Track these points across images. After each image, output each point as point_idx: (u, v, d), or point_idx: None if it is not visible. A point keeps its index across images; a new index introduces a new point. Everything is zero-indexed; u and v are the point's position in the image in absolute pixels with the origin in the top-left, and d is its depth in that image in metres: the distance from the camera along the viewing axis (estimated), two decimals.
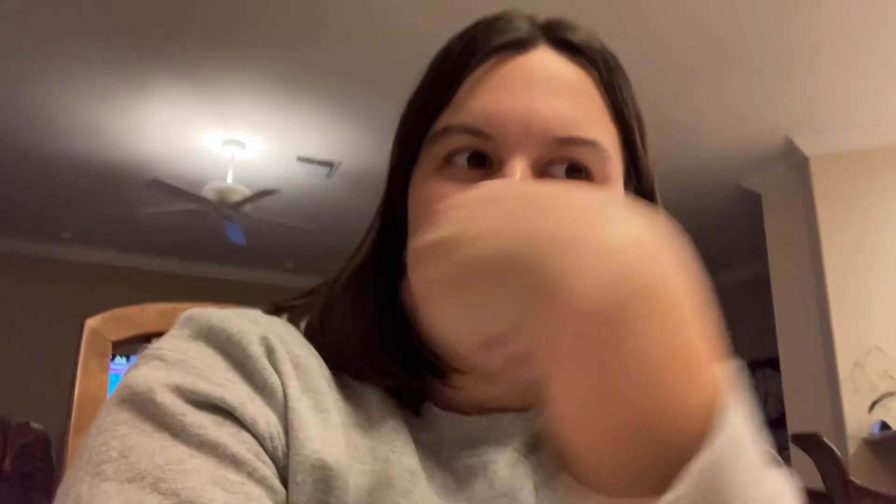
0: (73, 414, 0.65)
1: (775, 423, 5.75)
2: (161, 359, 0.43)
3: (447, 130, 0.50)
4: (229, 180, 4.42)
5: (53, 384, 5.14)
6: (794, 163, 4.24)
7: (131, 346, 0.73)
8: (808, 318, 4.18)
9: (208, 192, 4.34)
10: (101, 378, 0.68)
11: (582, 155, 0.50)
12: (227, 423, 0.41)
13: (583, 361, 0.29)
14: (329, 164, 4.57)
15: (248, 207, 4.44)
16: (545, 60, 0.52)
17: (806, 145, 4.10)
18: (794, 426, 4.18)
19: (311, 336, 0.52)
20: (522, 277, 0.31)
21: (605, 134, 0.52)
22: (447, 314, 0.35)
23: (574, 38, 0.54)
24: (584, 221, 0.31)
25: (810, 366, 4.14)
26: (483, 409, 0.53)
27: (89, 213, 5.50)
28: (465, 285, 0.33)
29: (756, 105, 3.76)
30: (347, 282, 0.55)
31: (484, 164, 0.50)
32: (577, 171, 0.50)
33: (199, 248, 6.22)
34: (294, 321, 0.54)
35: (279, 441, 0.43)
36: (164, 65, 3.52)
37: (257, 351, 0.45)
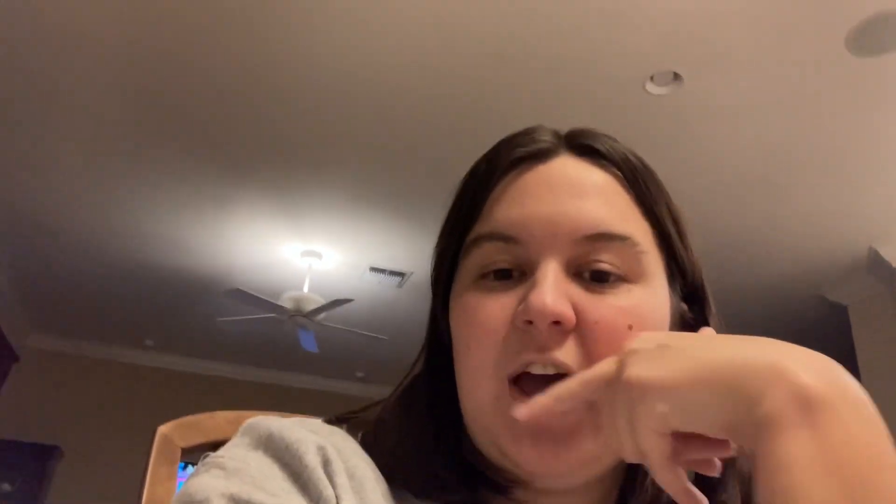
0: None
1: None
2: (220, 467, 0.44)
3: (476, 241, 0.51)
4: (305, 290, 4.54)
5: (126, 488, 5.19)
6: (880, 274, 4.07)
7: (201, 453, 0.74)
8: None
9: (285, 301, 4.45)
10: (169, 485, 0.68)
11: (614, 251, 0.49)
12: None
13: (809, 423, 0.34)
14: (400, 274, 4.65)
15: (322, 316, 4.52)
16: (567, 166, 0.52)
17: (892, 255, 3.94)
18: None
19: (369, 448, 0.51)
20: (748, 374, 0.36)
21: (637, 230, 0.51)
22: (675, 406, 0.38)
23: (595, 144, 0.54)
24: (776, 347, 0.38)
25: None
26: None
27: (172, 321, 5.70)
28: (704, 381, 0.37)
29: (837, 214, 3.67)
30: (401, 396, 0.55)
31: (510, 277, 0.50)
32: (605, 276, 0.49)
33: (275, 356, 6.32)
34: (353, 432, 0.53)
35: None
36: (248, 181, 3.72)
37: (313, 461, 0.45)
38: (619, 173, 0.53)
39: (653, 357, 0.39)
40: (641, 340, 0.41)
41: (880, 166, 3.28)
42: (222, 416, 0.77)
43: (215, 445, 0.77)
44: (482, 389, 0.48)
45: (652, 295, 0.50)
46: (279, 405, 6.50)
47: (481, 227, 0.51)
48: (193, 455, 0.76)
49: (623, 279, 0.49)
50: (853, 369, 4.31)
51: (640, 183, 0.53)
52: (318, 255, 4.48)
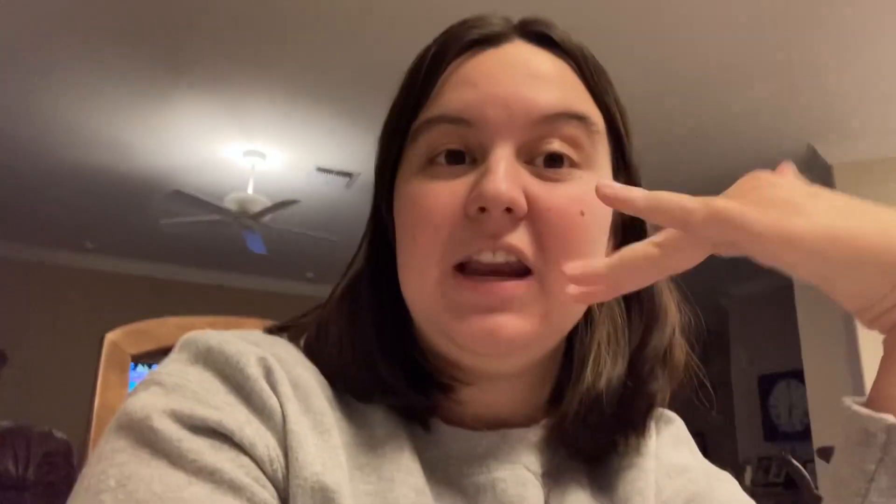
0: (93, 426, 0.65)
1: (800, 435, 5.67)
2: (159, 384, 0.43)
3: (426, 124, 0.49)
4: (250, 191, 4.45)
5: (75, 394, 5.20)
6: (816, 171, 4.19)
7: (151, 359, 0.74)
8: (834, 327, 4.11)
9: (229, 203, 4.37)
10: (120, 391, 0.68)
11: (569, 133, 0.48)
12: (226, 447, 0.41)
13: None
14: (348, 175, 4.59)
15: (268, 218, 4.47)
16: (521, 50, 0.51)
17: (829, 153, 4.05)
18: (819, 440, 4.11)
19: (311, 354, 0.51)
20: None
21: (591, 114, 0.51)
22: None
23: (549, 32, 0.53)
24: None
25: (836, 377, 4.07)
26: (490, 424, 0.52)
27: (112, 223, 5.56)
28: None
29: (777, 111, 3.73)
30: (341, 296, 0.54)
31: (463, 160, 0.48)
32: (559, 160, 0.48)
33: (221, 258, 6.26)
34: (295, 340, 0.53)
35: (279, 464, 0.42)
36: (187, 78, 3.56)
37: (255, 372, 0.44)
38: (571, 61, 0.53)
39: (791, 206, 0.37)
40: (783, 185, 0.39)
41: (824, 64, 3.32)
42: (172, 322, 0.76)
43: (165, 351, 0.77)
44: (427, 276, 0.47)
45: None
46: (230, 307, 6.50)
47: (430, 111, 0.49)
48: (144, 359, 0.76)
49: (575, 165, 0.49)
50: None
51: (591, 72, 0.53)
52: (262, 155, 4.37)
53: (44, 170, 4.59)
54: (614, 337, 0.53)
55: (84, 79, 3.57)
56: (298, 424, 0.43)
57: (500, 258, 0.46)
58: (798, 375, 4.88)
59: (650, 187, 0.56)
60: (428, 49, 0.53)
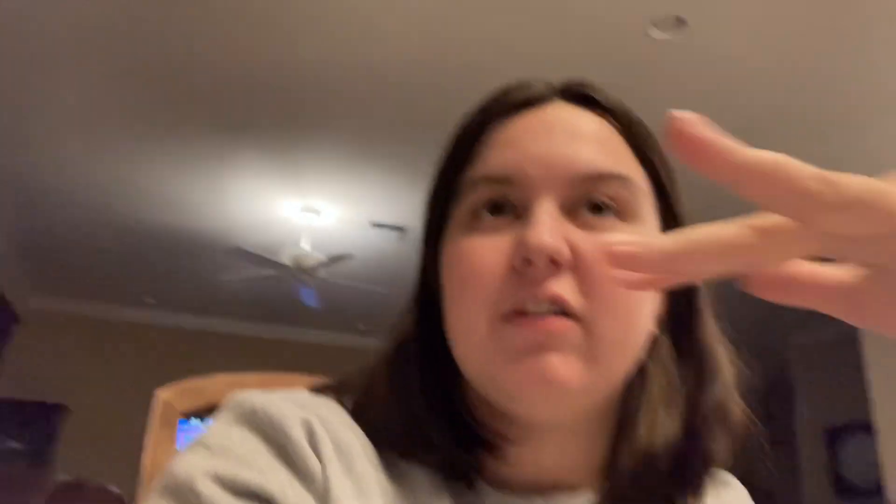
0: (142, 483, 0.66)
1: (874, 491, 5.37)
2: (205, 446, 0.43)
3: (470, 183, 0.50)
4: (305, 246, 4.53)
5: (131, 449, 5.27)
6: None
7: (202, 414, 0.74)
8: None
9: (285, 258, 4.45)
10: (169, 448, 0.69)
11: (611, 190, 0.48)
12: None
13: None
14: (401, 229, 4.64)
15: (322, 272, 4.53)
16: (562, 111, 0.52)
17: None
18: (893, 494, 3.89)
19: (357, 415, 0.50)
20: None
21: (634, 173, 0.50)
22: None
23: (589, 92, 0.53)
24: None
25: None
26: (538, 488, 0.50)
27: (172, 279, 5.71)
28: None
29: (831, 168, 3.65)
30: (389, 356, 0.54)
31: (504, 211, 0.49)
32: (602, 209, 0.48)
33: (277, 312, 6.35)
34: (341, 401, 0.52)
35: None
36: (245, 138, 3.68)
37: (298, 434, 0.44)
38: (614, 121, 0.52)
39: None
40: None
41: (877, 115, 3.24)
42: (222, 380, 0.77)
43: (215, 409, 0.77)
44: (476, 327, 0.47)
45: (649, 234, 0.50)
46: (283, 360, 6.56)
47: (474, 172, 0.50)
48: (194, 415, 0.76)
49: (618, 217, 0.48)
50: None
51: (634, 131, 0.52)
52: (317, 211, 4.46)
53: (109, 228, 4.77)
54: (668, 392, 0.51)
55: (148, 141, 3.72)
56: (340, 488, 0.43)
57: (544, 308, 0.45)
58: (866, 427, 4.65)
59: None
60: (471, 114, 0.54)
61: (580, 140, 0.49)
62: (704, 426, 0.51)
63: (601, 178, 0.48)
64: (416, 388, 0.51)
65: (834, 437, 6.02)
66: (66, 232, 4.87)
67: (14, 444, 5.74)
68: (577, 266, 0.46)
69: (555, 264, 0.45)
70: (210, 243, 4.92)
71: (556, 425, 0.50)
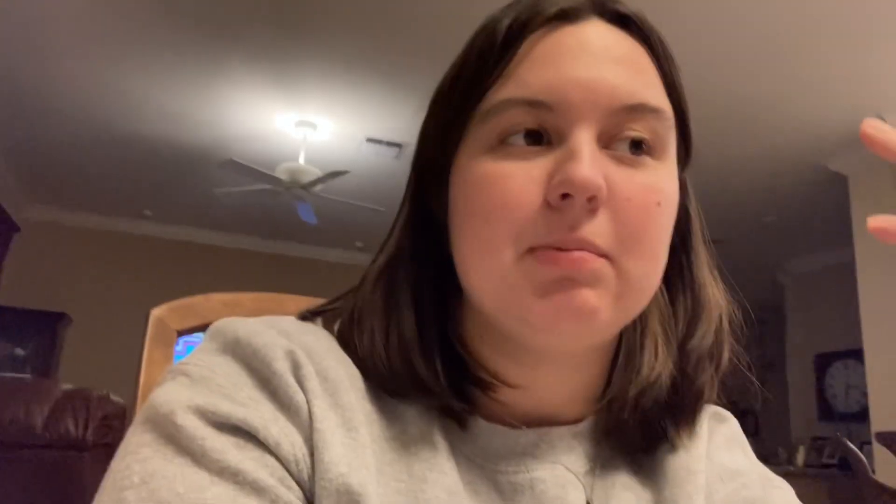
0: (138, 402, 0.66)
1: (857, 416, 5.52)
2: (187, 374, 0.43)
3: (503, 105, 0.46)
4: (301, 161, 4.49)
5: (131, 358, 5.36)
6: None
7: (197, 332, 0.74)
8: None
9: (281, 173, 4.41)
10: (165, 367, 0.69)
11: (648, 124, 0.46)
12: (250, 446, 0.40)
13: None
14: (398, 146, 4.59)
15: (318, 188, 4.50)
16: (600, 30, 0.48)
17: None
18: (878, 422, 3.99)
19: (344, 343, 0.49)
20: None
21: (666, 105, 0.49)
22: None
23: (628, 13, 0.50)
24: None
25: None
26: (533, 421, 0.50)
27: (169, 191, 5.69)
28: None
29: (844, 82, 3.57)
30: (376, 280, 0.51)
31: (541, 141, 0.46)
32: (639, 146, 0.47)
33: (273, 226, 6.36)
34: (329, 326, 0.50)
35: (304, 464, 0.41)
36: (240, 49, 3.58)
37: (282, 366, 0.43)
38: (647, 47, 0.50)
39: None
40: None
41: (889, 33, 3.16)
42: (217, 299, 0.77)
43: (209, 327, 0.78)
44: (501, 257, 0.45)
45: (672, 173, 0.49)
46: (280, 274, 6.62)
47: (506, 91, 0.46)
48: (189, 333, 0.77)
49: (649, 155, 0.47)
50: (849, 240, 4.36)
51: (666, 58, 0.50)
52: (314, 126, 4.40)
53: (105, 139, 4.71)
54: (664, 327, 0.52)
55: (142, 52, 3.63)
56: (325, 422, 0.42)
57: (573, 246, 0.44)
58: (857, 355, 4.74)
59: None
60: (494, 21, 0.50)
61: (622, 67, 0.47)
62: (696, 362, 0.52)
63: (642, 110, 0.46)
64: (407, 321, 0.49)
65: (823, 362, 6.15)
66: (61, 143, 4.81)
67: (18, 351, 5.86)
68: (612, 205, 0.45)
69: (591, 202, 0.44)
70: (206, 156, 4.87)
71: (565, 356, 0.49)
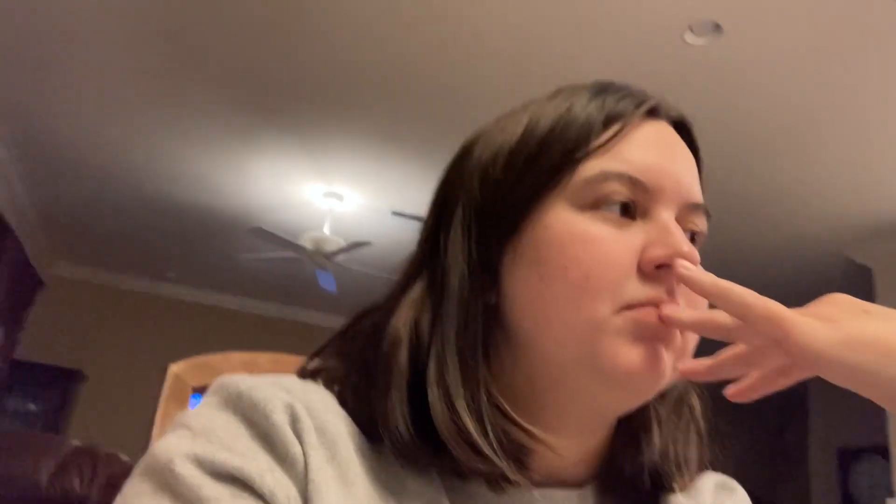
0: None
1: None
2: (188, 427, 0.44)
3: (605, 175, 0.50)
4: (326, 231, 4.55)
5: (144, 417, 5.33)
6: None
7: None
8: None
9: (305, 242, 4.47)
10: None
11: (700, 223, 0.54)
12: (245, 495, 0.40)
13: None
14: (421, 219, 4.63)
15: (341, 257, 4.54)
16: (672, 132, 0.56)
17: None
18: None
19: (344, 403, 0.50)
20: None
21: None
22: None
23: (689, 122, 0.57)
24: None
25: None
26: (536, 483, 0.50)
27: (194, 254, 5.77)
28: None
29: (868, 171, 3.59)
30: (393, 342, 0.51)
31: (631, 214, 0.51)
32: (694, 240, 0.54)
33: (293, 293, 6.39)
34: (330, 385, 0.51)
35: None
36: (273, 119, 3.69)
37: (281, 419, 0.44)
38: (695, 154, 0.57)
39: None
40: (843, 305, 0.44)
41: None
42: (236, 358, 0.77)
43: None
44: (598, 305, 0.48)
45: None
46: (297, 341, 6.60)
47: (608, 163, 0.51)
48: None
49: (699, 243, 0.54)
50: None
51: (701, 167, 0.57)
52: (340, 197, 4.48)
53: (135, 202, 4.82)
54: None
55: (176, 118, 3.75)
56: (321, 474, 0.43)
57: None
58: (882, 451, 4.58)
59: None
60: (590, 97, 0.54)
61: (693, 168, 0.55)
62: (677, 426, 0.56)
63: (700, 209, 0.53)
64: (453, 378, 0.48)
65: (847, 457, 5.95)
66: (91, 202, 4.93)
67: (31, 406, 5.85)
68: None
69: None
70: (232, 222, 4.95)
71: (597, 420, 0.53)
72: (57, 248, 5.90)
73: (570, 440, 0.52)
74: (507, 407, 0.49)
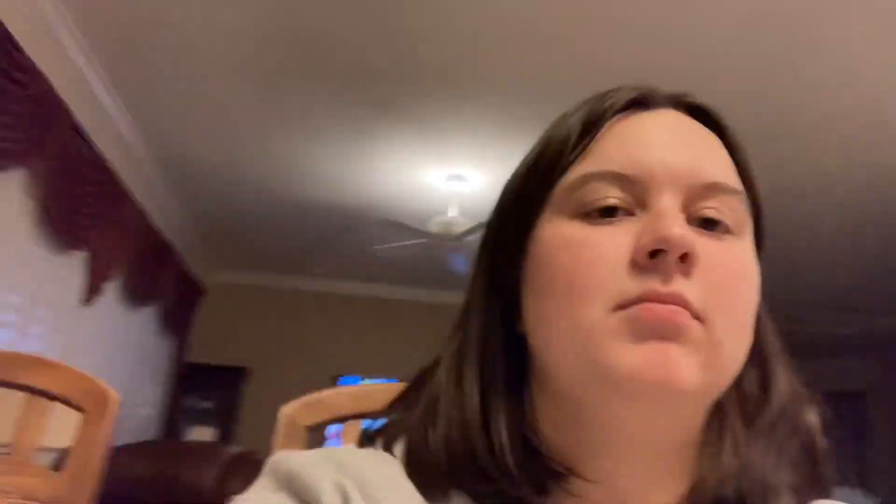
0: None
1: None
2: None
3: (588, 178, 0.48)
4: (453, 213, 4.60)
5: None
6: None
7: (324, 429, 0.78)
8: None
9: (433, 226, 4.54)
10: None
11: (725, 203, 0.48)
12: None
13: None
14: None
15: (470, 238, 4.58)
16: (677, 117, 0.52)
17: None
18: None
19: (415, 457, 0.49)
20: None
21: (739, 186, 0.50)
22: None
23: (703, 105, 0.53)
24: None
25: None
26: None
27: (333, 250, 6.02)
28: None
29: None
30: (449, 370, 0.52)
31: (625, 212, 0.47)
32: (713, 224, 0.47)
33: (429, 276, 6.53)
34: (389, 446, 0.52)
35: None
36: (391, 113, 3.77)
37: (330, 500, 0.44)
38: (721, 136, 0.52)
39: None
40: None
41: None
42: (347, 393, 0.80)
43: (341, 420, 0.81)
44: (588, 309, 0.44)
45: (752, 250, 0.50)
46: (436, 322, 6.73)
47: (589, 165, 0.49)
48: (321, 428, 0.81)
49: (728, 230, 0.48)
50: None
51: (738, 149, 0.52)
52: (463, 178, 4.51)
53: (276, 206, 5.10)
54: (741, 406, 0.51)
55: (302, 119, 3.91)
56: None
57: (667, 300, 0.43)
58: None
59: None
60: (578, 108, 0.53)
61: (700, 148, 0.49)
62: (774, 438, 0.49)
63: (718, 188, 0.47)
64: (471, 404, 0.49)
65: None
66: (239, 212, 5.26)
67: (206, 404, 6.37)
68: (702, 270, 0.45)
69: (684, 262, 0.44)
70: (362, 215, 5.11)
71: (647, 440, 0.46)
72: (212, 257, 6.35)
73: (628, 467, 0.47)
74: (536, 439, 0.48)
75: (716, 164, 0.49)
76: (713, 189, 0.47)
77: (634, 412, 0.45)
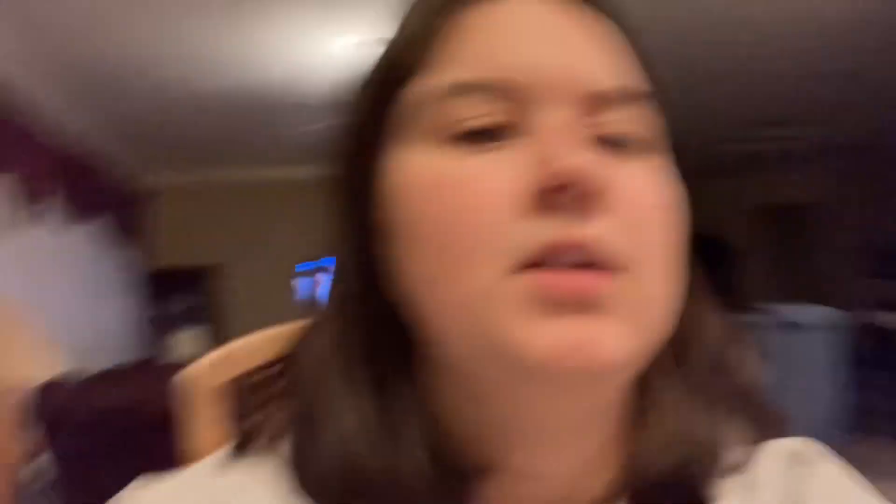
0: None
1: None
2: None
3: (439, 93, 0.37)
4: None
5: (283, 311, 5.70)
6: None
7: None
8: None
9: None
10: (214, 429, 0.67)
11: (633, 112, 0.37)
12: None
13: None
14: None
15: None
16: (556, 4, 0.39)
17: None
18: None
19: (299, 473, 0.40)
20: None
21: (646, 87, 0.39)
22: None
23: None
24: None
25: None
26: None
27: (264, 136, 5.77)
28: None
29: None
30: (322, 361, 0.41)
31: (504, 135, 0.36)
32: (622, 143, 0.37)
33: None
34: (272, 449, 0.42)
35: None
36: None
37: None
38: (613, 21, 0.40)
39: None
40: None
41: None
42: (257, 340, 0.73)
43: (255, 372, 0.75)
44: (477, 272, 0.34)
45: (670, 168, 0.39)
46: None
47: (444, 76, 0.37)
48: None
49: (639, 148, 0.38)
50: None
51: (637, 40, 0.41)
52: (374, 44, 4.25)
53: (196, 100, 4.82)
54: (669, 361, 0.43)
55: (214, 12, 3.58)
56: None
57: (578, 257, 0.34)
58: None
59: None
60: None
61: (592, 46, 0.38)
62: (711, 391, 0.42)
63: (621, 95, 0.37)
64: (354, 401, 0.39)
65: None
66: (157, 110, 4.94)
67: (183, 307, 6.43)
68: (615, 205, 0.35)
69: (590, 196, 0.34)
70: (280, 97, 4.81)
71: (565, 415, 0.38)
72: (152, 160, 6.02)
73: (551, 450, 0.39)
74: (442, 438, 0.39)
75: (611, 62, 0.38)
76: (614, 96, 0.37)
77: (548, 396, 0.36)
